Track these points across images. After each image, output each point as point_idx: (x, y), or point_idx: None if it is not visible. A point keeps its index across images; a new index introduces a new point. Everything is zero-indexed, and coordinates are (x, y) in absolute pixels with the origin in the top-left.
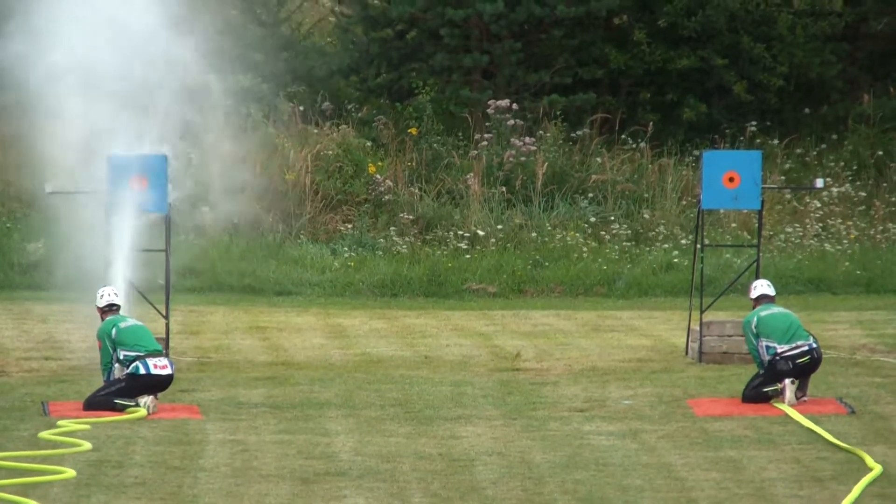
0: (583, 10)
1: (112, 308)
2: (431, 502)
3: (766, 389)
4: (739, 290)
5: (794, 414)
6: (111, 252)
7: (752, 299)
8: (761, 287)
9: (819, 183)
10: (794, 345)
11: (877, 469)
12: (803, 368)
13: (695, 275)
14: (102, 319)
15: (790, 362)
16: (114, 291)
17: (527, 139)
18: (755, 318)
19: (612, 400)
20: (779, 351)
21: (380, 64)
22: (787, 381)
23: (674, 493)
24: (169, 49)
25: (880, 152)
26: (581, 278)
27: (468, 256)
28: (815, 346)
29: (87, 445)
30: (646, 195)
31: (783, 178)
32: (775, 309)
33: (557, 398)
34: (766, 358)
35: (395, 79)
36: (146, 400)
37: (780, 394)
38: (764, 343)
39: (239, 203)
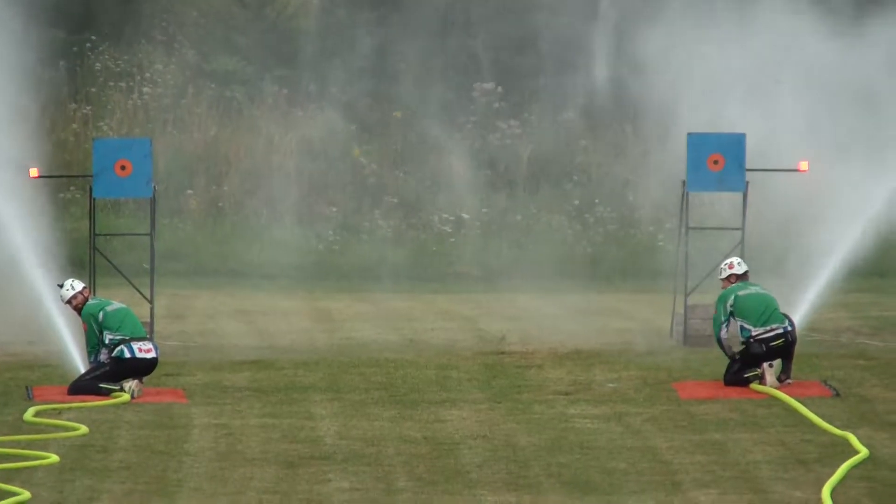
0: None
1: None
2: (416, 486)
3: (746, 375)
4: None
5: (782, 397)
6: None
7: (721, 279)
8: (731, 268)
9: (803, 165)
10: (768, 328)
11: (863, 452)
12: (777, 351)
13: (680, 257)
14: (76, 309)
15: (764, 345)
16: (72, 283)
17: (512, 122)
18: (733, 297)
19: (596, 383)
20: (753, 334)
21: (365, 47)
22: (765, 364)
23: (658, 476)
24: None
25: None
26: (566, 261)
27: (453, 240)
28: (789, 328)
29: (83, 429)
30: (631, 178)
31: None
32: (753, 289)
33: (542, 381)
34: (741, 338)
35: (380, 62)
36: (131, 384)
37: (760, 378)
38: (739, 323)
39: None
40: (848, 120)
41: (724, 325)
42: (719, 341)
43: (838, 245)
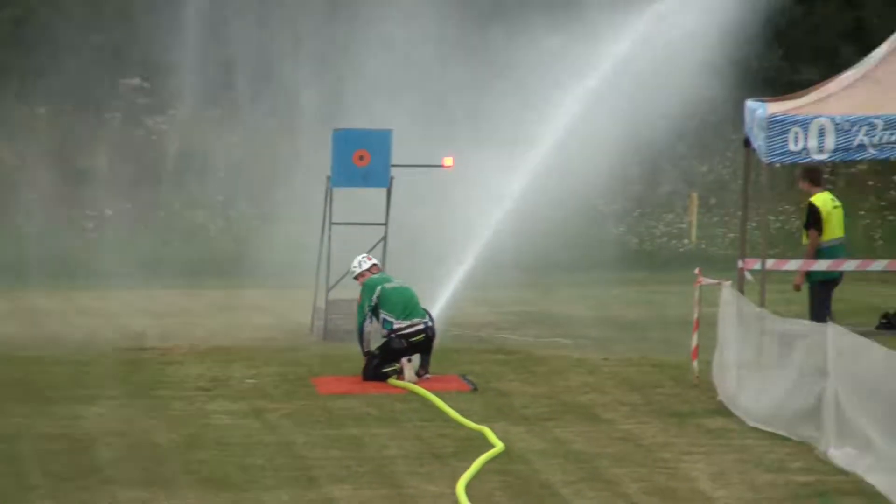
0: None
1: None
2: (50, 483)
3: (385, 370)
4: None
5: (420, 391)
6: None
7: (360, 272)
8: (370, 259)
9: (447, 161)
10: (410, 322)
11: (499, 446)
12: (417, 346)
13: (322, 253)
14: None
15: (404, 340)
16: None
17: (158, 118)
18: (380, 289)
19: (235, 379)
20: (395, 328)
21: (11, 41)
22: (404, 359)
23: (294, 472)
24: None
25: None
26: (209, 257)
27: (95, 236)
28: (430, 324)
29: None
30: (277, 173)
31: None
32: (397, 282)
33: (182, 378)
34: (383, 331)
35: (26, 55)
36: None
37: (399, 373)
38: (383, 316)
39: None
40: (491, 113)
41: (368, 315)
42: (360, 331)
43: (477, 240)
